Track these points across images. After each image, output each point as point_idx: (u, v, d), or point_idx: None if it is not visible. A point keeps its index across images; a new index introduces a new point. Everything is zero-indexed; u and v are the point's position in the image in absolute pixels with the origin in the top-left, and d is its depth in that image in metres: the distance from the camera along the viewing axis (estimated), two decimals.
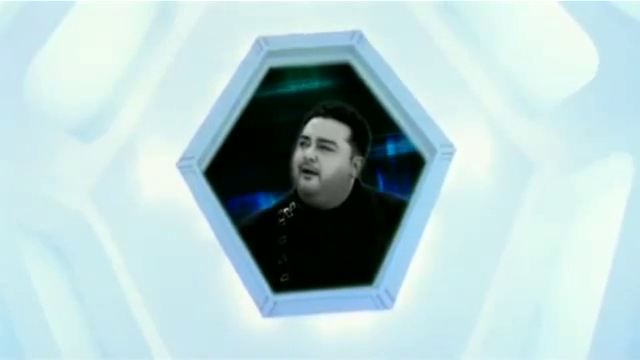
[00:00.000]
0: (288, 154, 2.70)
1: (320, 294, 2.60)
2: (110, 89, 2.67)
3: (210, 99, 2.78)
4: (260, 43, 2.86)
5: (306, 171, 2.63)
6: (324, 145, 2.64)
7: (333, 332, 2.61)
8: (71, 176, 2.53)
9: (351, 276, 2.64)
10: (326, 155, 2.64)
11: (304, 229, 2.68)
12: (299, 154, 2.66)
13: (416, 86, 2.82)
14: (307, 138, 2.66)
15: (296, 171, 2.66)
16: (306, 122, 2.69)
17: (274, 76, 2.89)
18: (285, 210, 2.70)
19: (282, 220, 2.69)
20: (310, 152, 2.63)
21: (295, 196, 2.71)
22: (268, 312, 2.57)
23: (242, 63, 2.83)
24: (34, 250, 2.34)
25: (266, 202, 2.76)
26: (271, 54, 2.87)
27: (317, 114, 2.68)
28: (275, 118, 2.84)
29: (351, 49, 2.89)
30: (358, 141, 2.71)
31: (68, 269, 2.49)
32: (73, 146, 2.46)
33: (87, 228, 2.51)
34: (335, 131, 2.67)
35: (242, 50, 2.85)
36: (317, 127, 2.66)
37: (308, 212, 2.68)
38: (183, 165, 2.69)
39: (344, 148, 2.67)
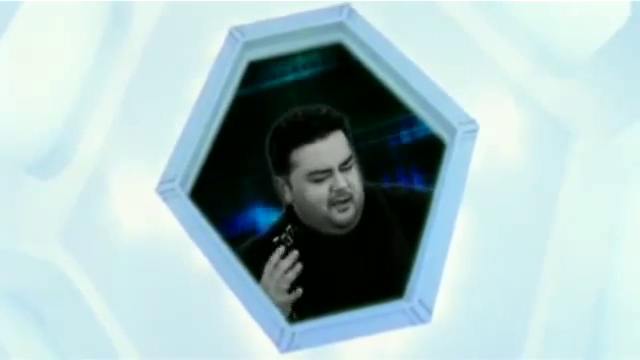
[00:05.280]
0: None
1: (344, 317, 2.40)
2: (67, 111, 2.55)
3: (185, 107, 2.64)
4: (234, 34, 2.72)
5: (339, 202, 2.39)
6: (345, 167, 2.40)
7: (365, 359, 2.42)
8: (35, 220, 2.42)
9: (376, 292, 2.44)
10: (350, 174, 2.41)
11: (311, 253, 2.44)
12: (319, 191, 2.39)
13: (423, 59, 2.67)
14: (326, 172, 2.39)
15: (323, 209, 2.40)
16: (289, 152, 2.41)
17: (256, 70, 2.76)
18: (282, 237, 2.47)
19: (280, 249, 2.45)
20: (341, 182, 2.37)
21: (291, 217, 2.48)
22: (286, 346, 2.37)
23: (216, 61, 2.69)
24: (2, 312, 2.24)
25: (266, 218, 2.61)
26: (249, 45, 2.73)
27: (310, 138, 2.39)
28: (264, 119, 2.64)
29: (341, 26, 2.75)
30: (349, 139, 2.48)
31: (45, 329, 2.35)
32: (32, 185, 2.36)
33: (61, 278, 2.38)
34: (343, 144, 2.42)
35: (214, 45, 2.72)
36: (330, 154, 2.39)
37: (310, 234, 2.46)
38: (164, 189, 2.53)
39: (353, 155, 2.44)
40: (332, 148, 2.41)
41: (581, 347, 2.45)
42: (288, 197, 2.47)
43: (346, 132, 2.46)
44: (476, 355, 2.46)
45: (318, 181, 2.39)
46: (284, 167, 2.44)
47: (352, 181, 2.42)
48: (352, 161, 2.44)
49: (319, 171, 2.39)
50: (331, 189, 2.39)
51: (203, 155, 2.64)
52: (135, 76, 2.71)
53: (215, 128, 2.68)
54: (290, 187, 2.45)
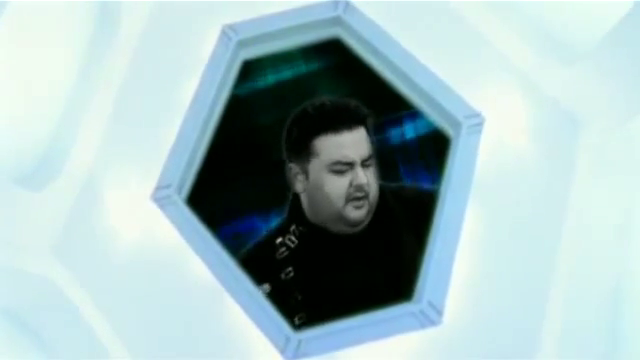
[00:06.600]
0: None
1: (352, 322, 2.34)
2: (56, 118, 2.49)
3: (179, 110, 2.58)
4: (227, 33, 2.66)
5: (356, 199, 2.33)
6: (366, 164, 2.35)
7: None
8: (27, 233, 2.36)
9: (384, 295, 2.38)
10: (370, 172, 2.35)
11: (315, 255, 2.39)
12: (338, 184, 2.32)
13: (423, 51, 2.62)
14: (349, 164, 2.33)
15: (338, 204, 2.33)
16: (312, 139, 2.35)
17: (251, 69, 2.71)
18: (286, 237, 2.41)
19: (283, 250, 2.40)
20: (362, 177, 2.32)
21: (295, 217, 2.42)
22: (292, 354, 2.32)
23: (210, 61, 2.64)
24: None
25: (266, 221, 2.56)
26: (242, 44, 2.67)
27: (338, 128, 2.33)
28: (261, 119, 2.65)
29: (338, 21, 2.69)
30: (371, 137, 2.42)
31: (43, 347, 2.30)
32: (23, 197, 2.29)
33: (57, 292, 2.33)
34: (366, 140, 2.36)
35: (207, 45, 2.66)
36: (355, 147, 2.34)
37: (317, 233, 2.39)
38: (160, 196, 2.47)
39: (373, 154, 2.38)
40: (357, 142, 2.35)
41: (598, 346, 2.40)
42: (300, 187, 2.39)
43: (368, 131, 2.40)
44: (489, 357, 2.39)
45: (339, 173, 2.32)
46: (303, 153, 2.36)
47: (370, 180, 2.36)
48: (372, 160, 2.38)
49: (342, 162, 2.32)
50: (351, 183, 2.32)
51: (199, 159, 2.59)
52: (126, 79, 2.66)
53: (211, 130, 2.62)
54: (306, 176, 2.38)
